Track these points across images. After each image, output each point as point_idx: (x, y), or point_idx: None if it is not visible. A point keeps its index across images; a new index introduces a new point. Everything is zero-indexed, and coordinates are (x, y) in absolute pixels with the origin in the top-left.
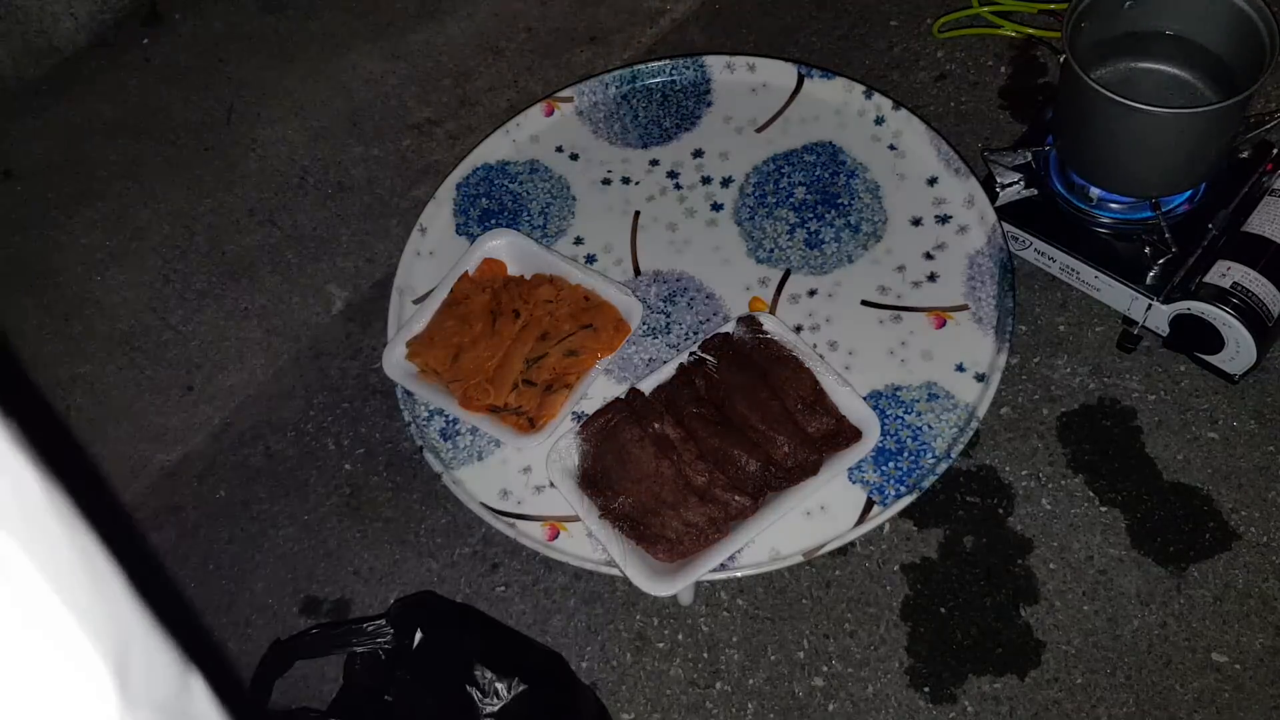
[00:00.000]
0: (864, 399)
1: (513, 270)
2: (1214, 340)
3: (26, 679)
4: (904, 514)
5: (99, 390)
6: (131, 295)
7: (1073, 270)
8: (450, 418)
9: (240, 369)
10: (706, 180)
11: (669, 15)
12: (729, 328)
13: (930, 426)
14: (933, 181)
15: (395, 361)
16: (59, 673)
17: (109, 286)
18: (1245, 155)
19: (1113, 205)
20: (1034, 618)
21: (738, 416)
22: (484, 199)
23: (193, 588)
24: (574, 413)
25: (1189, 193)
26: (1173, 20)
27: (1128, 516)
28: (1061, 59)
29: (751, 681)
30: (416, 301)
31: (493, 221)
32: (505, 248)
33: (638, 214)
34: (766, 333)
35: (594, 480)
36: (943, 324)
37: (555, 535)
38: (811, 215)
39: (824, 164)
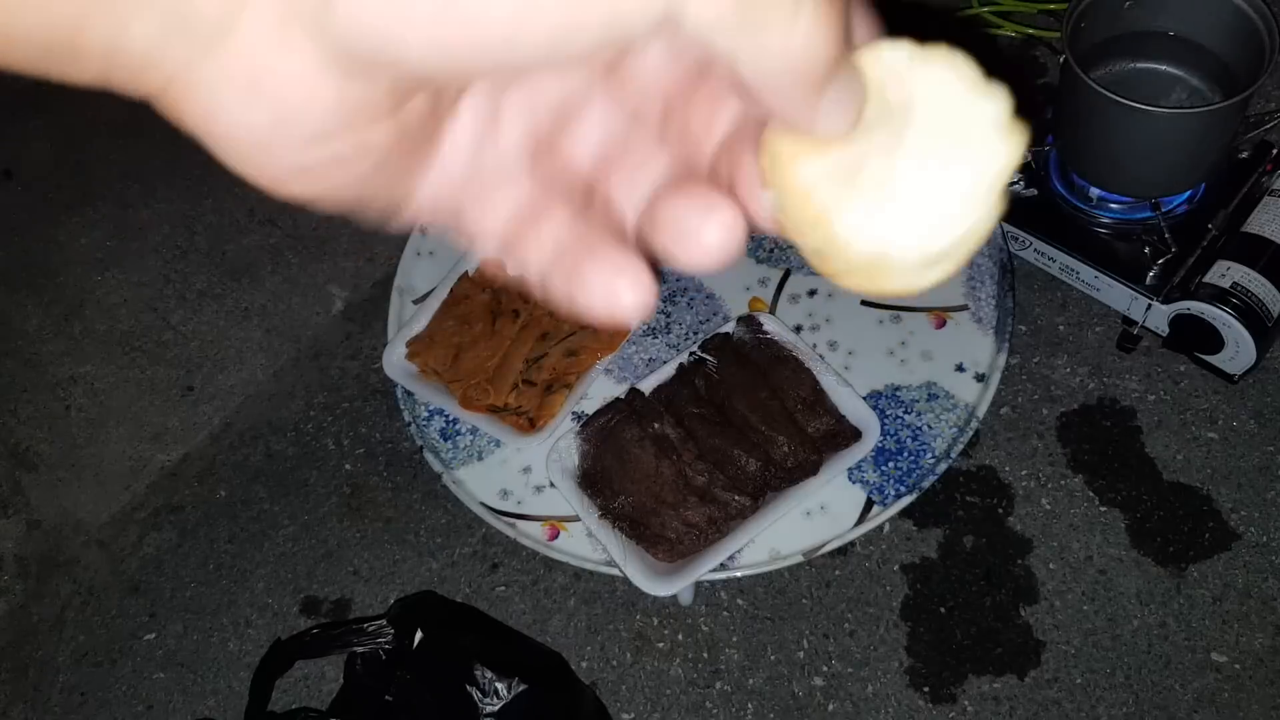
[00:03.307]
0: (864, 399)
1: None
2: (1214, 340)
3: None
4: (904, 514)
5: (99, 390)
6: (132, 295)
7: (1072, 270)
8: (450, 418)
9: (240, 369)
10: None
11: None
12: (729, 328)
13: (930, 426)
14: None
15: (395, 361)
16: None
17: (109, 286)
18: (1245, 155)
19: (1112, 205)
20: (1034, 618)
21: (738, 416)
22: None
23: (193, 587)
24: (574, 413)
25: (1189, 193)
26: (1173, 20)
27: (1127, 516)
28: (1061, 59)
29: (751, 681)
30: (417, 301)
31: None
32: None
33: None
34: (766, 333)
35: (594, 480)
36: (942, 324)
37: (555, 535)
38: None
39: None
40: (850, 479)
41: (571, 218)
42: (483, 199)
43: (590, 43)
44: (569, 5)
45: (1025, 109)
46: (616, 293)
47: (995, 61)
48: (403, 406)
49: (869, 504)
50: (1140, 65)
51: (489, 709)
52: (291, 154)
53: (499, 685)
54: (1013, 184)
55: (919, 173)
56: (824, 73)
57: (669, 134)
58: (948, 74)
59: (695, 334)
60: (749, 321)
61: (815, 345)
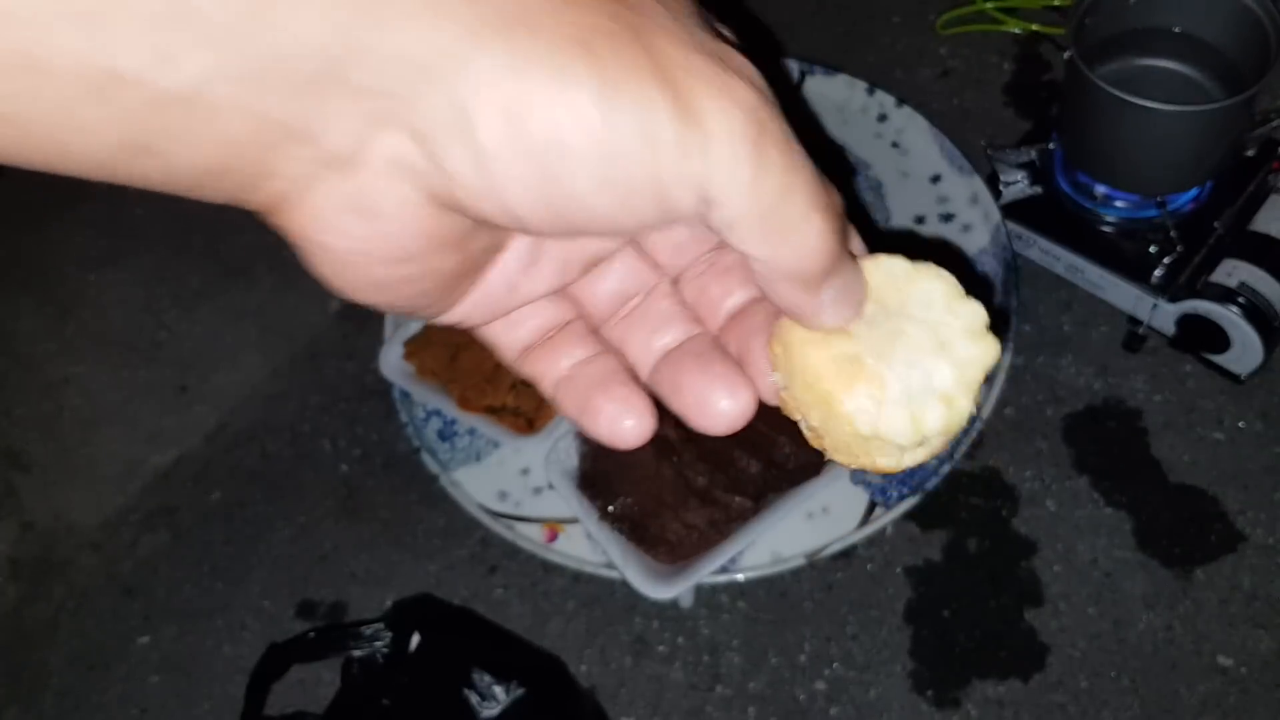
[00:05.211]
0: None
1: None
2: (1220, 340)
3: None
4: (907, 516)
5: (92, 391)
6: (126, 295)
7: (1078, 269)
8: (448, 418)
9: (236, 370)
10: None
11: None
12: None
13: None
14: (936, 179)
15: (392, 362)
16: None
17: (103, 286)
18: (1251, 153)
19: (1118, 203)
20: (1038, 621)
21: None
22: None
23: (188, 590)
24: None
25: (1195, 191)
26: (1178, 17)
27: (1133, 518)
28: (1066, 55)
29: (752, 685)
30: None
31: None
32: None
33: None
34: None
35: (593, 482)
36: None
37: (554, 537)
38: None
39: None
40: (853, 480)
41: (586, 354)
42: (510, 320)
43: (641, 221)
44: (628, 191)
45: (995, 314)
46: (622, 426)
47: (973, 279)
48: (400, 407)
49: (872, 506)
50: (1145, 62)
51: (487, 713)
52: (376, 270)
53: (497, 689)
54: (1009, 185)
55: (909, 369)
56: (823, 274)
57: (687, 298)
58: (937, 284)
59: None
60: None
61: None
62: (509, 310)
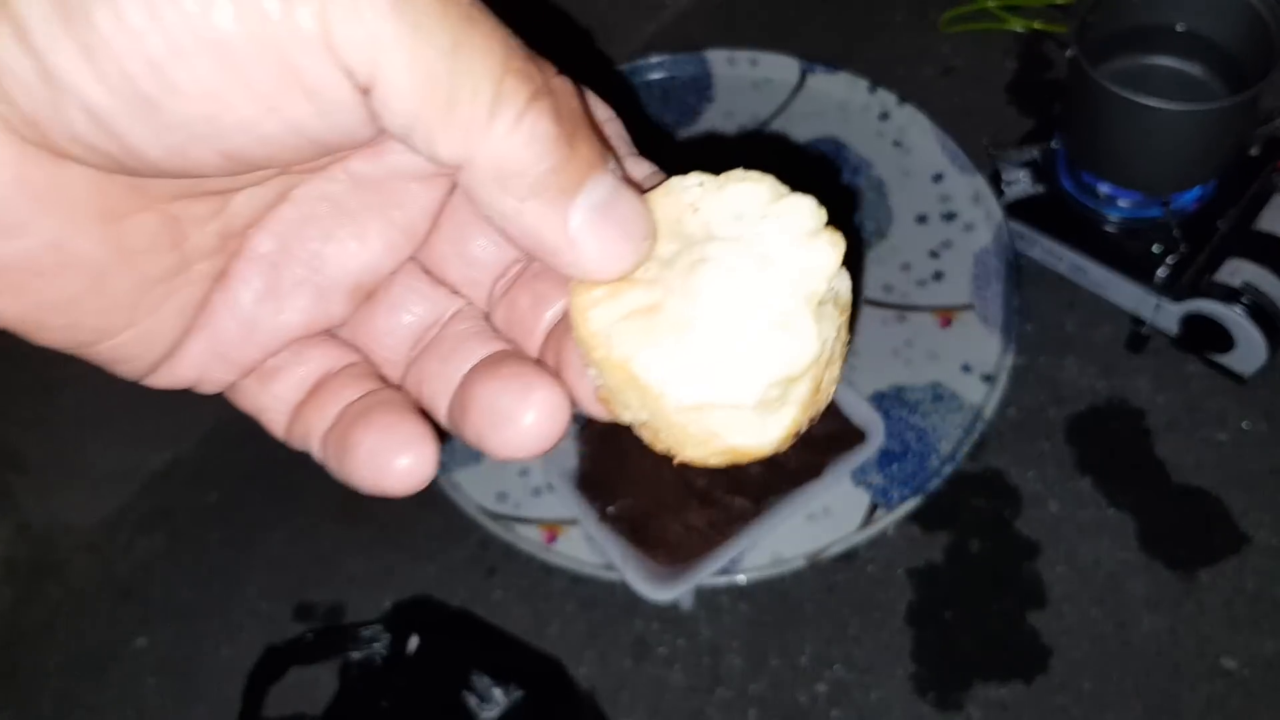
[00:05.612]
0: (868, 400)
1: None
2: (1224, 340)
3: None
4: (909, 517)
5: (89, 391)
6: None
7: (1081, 268)
8: None
9: None
10: None
11: (670, 9)
12: None
13: (935, 428)
14: (938, 178)
15: None
16: None
17: None
18: (1255, 152)
19: (1121, 202)
20: (1041, 623)
21: None
22: None
23: (185, 592)
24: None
25: (1198, 190)
26: (1182, 15)
27: (1136, 520)
28: (1069, 54)
29: (753, 687)
30: None
31: None
32: None
33: None
34: None
35: (593, 482)
36: (948, 323)
37: (553, 539)
38: None
39: (827, 160)
40: (854, 482)
41: (362, 393)
42: (265, 374)
43: (291, 121)
44: (233, 60)
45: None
46: (389, 466)
47: (795, 168)
48: None
49: (873, 507)
50: (1149, 60)
51: (486, 715)
52: None
53: (496, 691)
54: (1011, 184)
55: (728, 304)
56: (554, 174)
57: (499, 325)
58: (748, 190)
59: None
60: None
61: None
62: (258, 360)
